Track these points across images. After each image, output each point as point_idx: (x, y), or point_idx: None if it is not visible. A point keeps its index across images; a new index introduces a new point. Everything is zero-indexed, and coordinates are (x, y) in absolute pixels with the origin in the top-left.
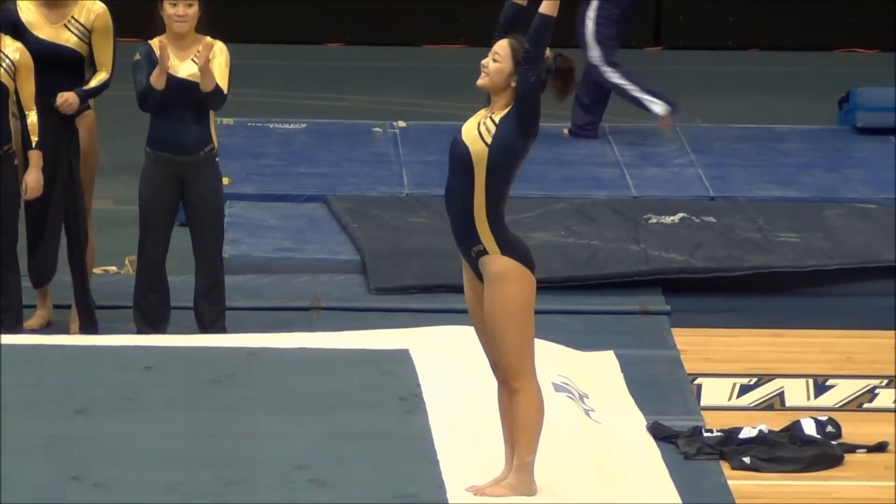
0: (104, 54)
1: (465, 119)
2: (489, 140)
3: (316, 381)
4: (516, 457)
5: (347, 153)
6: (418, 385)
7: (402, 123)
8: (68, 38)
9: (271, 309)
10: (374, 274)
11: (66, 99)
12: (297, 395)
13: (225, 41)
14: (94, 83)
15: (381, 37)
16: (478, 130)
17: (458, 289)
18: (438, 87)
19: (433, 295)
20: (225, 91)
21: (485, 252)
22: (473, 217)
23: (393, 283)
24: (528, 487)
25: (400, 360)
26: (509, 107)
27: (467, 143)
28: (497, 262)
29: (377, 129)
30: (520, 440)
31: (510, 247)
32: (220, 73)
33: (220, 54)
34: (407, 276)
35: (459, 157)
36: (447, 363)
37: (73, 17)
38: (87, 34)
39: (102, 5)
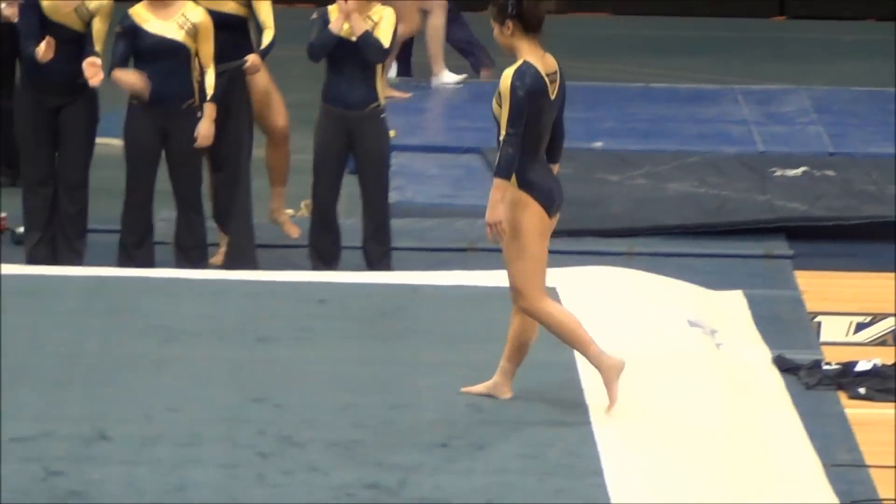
0: (265, 14)
1: (608, 79)
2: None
3: (472, 314)
4: (502, 360)
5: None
6: None
7: None
8: (229, 5)
9: (432, 249)
10: None
11: (253, 62)
12: (456, 327)
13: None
14: (266, 42)
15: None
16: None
17: (604, 233)
18: (584, 51)
19: (579, 238)
20: (385, 46)
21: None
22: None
23: None
24: (503, 389)
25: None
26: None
27: (493, 107)
28: (511, 194)
29: None
30: (508, 348)
31: (527, 183)
32: (383, 32)
33: (385, 18)
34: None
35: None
36: (593, 300)
37: None
38: None
39: None
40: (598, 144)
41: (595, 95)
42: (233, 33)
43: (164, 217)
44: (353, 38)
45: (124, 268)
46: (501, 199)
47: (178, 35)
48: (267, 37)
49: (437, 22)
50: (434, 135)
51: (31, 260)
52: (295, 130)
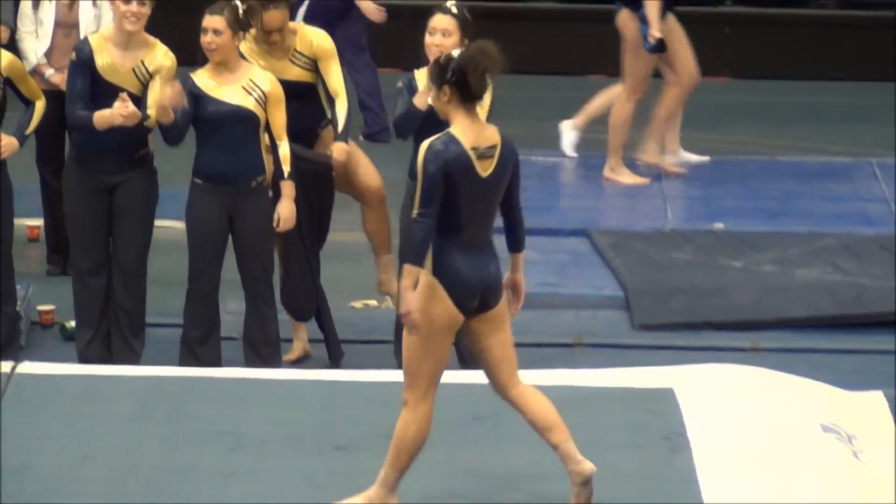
0: (336, 80)
1: (729, 152)
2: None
3: (578, 419)
4: (382, 469)
5: (611, 187)
6: (683, 424)
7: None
8: (294, 72)
9: (533, 345)
10: (638, 310)
11: (338, 155)
12: None
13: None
14: (342, 117)
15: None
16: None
17: (725, 326)
18: (702, 120)
19: (698, 332)
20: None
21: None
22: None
23: (657, 320)
24: (383, 501)
25: (664, 399)
26: None
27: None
28: (423, 279)
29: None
30: (389, 453)
31: (441, 270)
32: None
33: None
34: (671, 313)
35: None
36: (713, 402)
37: (295, 50)
38: (311, 63)
39: (322, 32)
40: (719, 226)
41: (714, 170)
42: (301, 102)
43: (232, 310)
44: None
45: (187, 367)
46: (412, 286)
47: (246, 103)
48: (340, 108)
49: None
50: (535, 215)
51: (84, 359)
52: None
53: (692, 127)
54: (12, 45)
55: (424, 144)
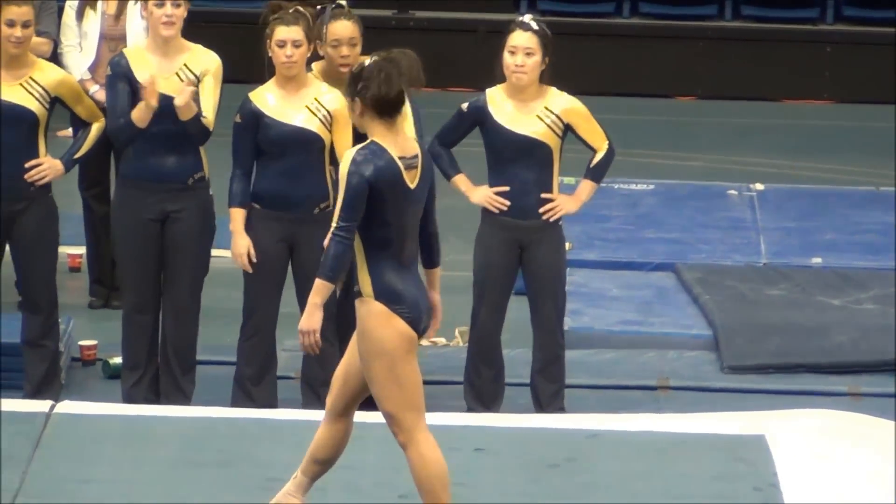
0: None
1: (828, 181)
2: None
3: (663, 467)
4: None
5: (699, 218)
6: (775, 475)
7: (759, 186)
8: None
9: (615, 387)
10: (728, 351)
11: None
12: (642, 483)
13: (571, 93)
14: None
15: (737, 90)
16: None
17: (821, 369)
18: (800, 146)
19: (792, 375)
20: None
21: (359, 294)
22: (355, 254)
23: (748, 362)
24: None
25: (755, 447)
26: None
27: None
28: (365, 307)
29: (732, 191)
30: (423, 498)
31: (386, 294)
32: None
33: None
34: (764, 354)
35: None
36: (808, 451)
37: None
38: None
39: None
40: (817, 261)
41: (812, 201)
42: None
43: (289, 347)
44: (531, 134)
45: (240, 408)
46: (321, 304)
47: (310, 124)
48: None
49: None
50: (617, 248)
51: (130, 400)
52: (445, 242)
53: (788, 154)
54: (55, 59)
55: (349, 153)
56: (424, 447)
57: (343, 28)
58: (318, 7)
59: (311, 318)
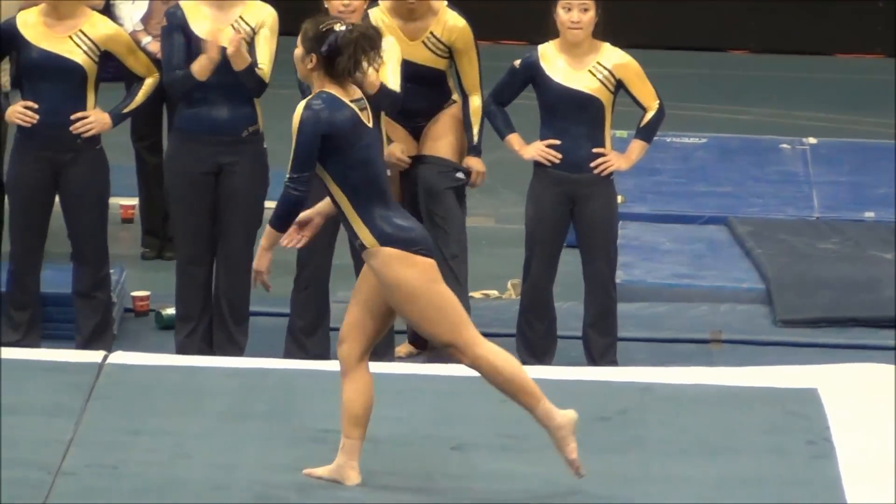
0: (471, 75)
1: (881, 135)
2: None
3: (714, 420)
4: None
5: (752, 171)
6: (828, 428)
7: (812, 140)
8: (425, 56)
9: (667, 341)
10: (780, 304)
11: (477, 176)
12: (693, 436)
13: (623, 47)
14: (475, 125)
15: (790, 44)
16: None
17: (874, 323)
18: (853, 100)
19: (844, 329)
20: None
21: (364, 246)
22: (343, 212)
23: (800, 315)
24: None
25: (807, 400)
26: None
27: None
28: (376, 258)
29: (785, 145)
30: (528, 396)
31: (388, 237)
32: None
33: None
34: (816, 308)
35: None
36: (860, 404)
37: (431, 33)
38: (446, 51)
39: (464, 21)
40: (870, 215)
41: (865, 155)
42: (424, 88)
43: (342, 298)
44: (583, 89)
45: (292, 359)
46: (269, 248)
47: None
48: (476, 113)
49: None
50: (670, 201)
51: (183, 352)
52: (497, 195)
53: (841, 108)
54: (107, 11)
55: (301, 105)
56: (491, 356)
57: None
58: None
59: (259, 261)
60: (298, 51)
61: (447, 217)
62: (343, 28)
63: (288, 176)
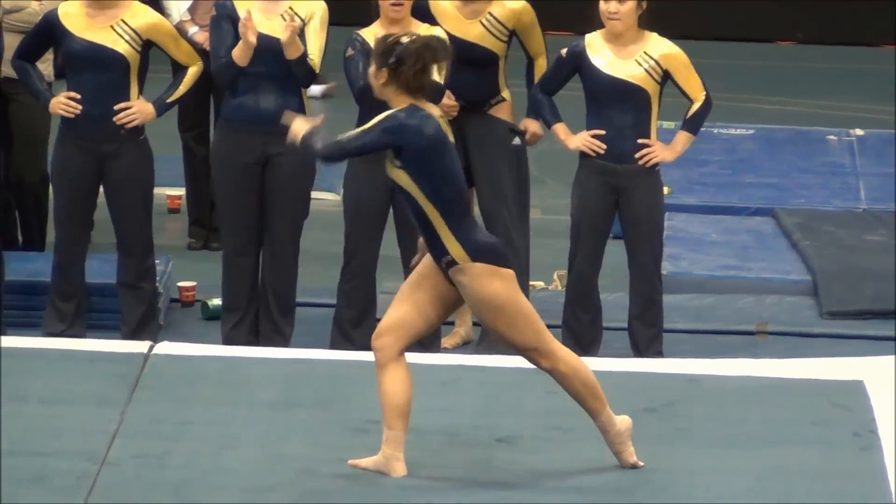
0: (536, 46)
1: None
2: (396, 161)
3: (760, 412)
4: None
5: (799, 163)
6: (874, 420)
7: (859, 131)
8: (479, 34)
9: (713, 332)
10: (827, 296)
11: (534, 133)
12: (740, 428)
13: (671, 38)
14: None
15: (837, 35)
16: (384, 154)
17: None
18: None
19: (890, 321)
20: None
21: (454, 262)
22: (434, 227)
23: (847, 307)
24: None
25: (854, 392)
26: None
27: (388, 171)
28: (466, 274)
29: (832, 136)
30: (597, 401)
31: (477, 251)
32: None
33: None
34: (862, 300)
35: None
36: None
37: (490, 13)
38: (505, 33)
39: (526, 3)
40: None
41: None
42: (476, 71)
43: (388, 289)
44: (629, 79)
45: (339, 350)
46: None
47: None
48: (540, 69)
49: None
50: (716, 193)
51: (229, 343)
52: (543, 186)
53: (888, 100)
54: (154, 2)
55: (390, 112)
56: (570, 359)
57: None
58: None
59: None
60: (372, 68)
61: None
62: (407, 39)
63: (340, 148)
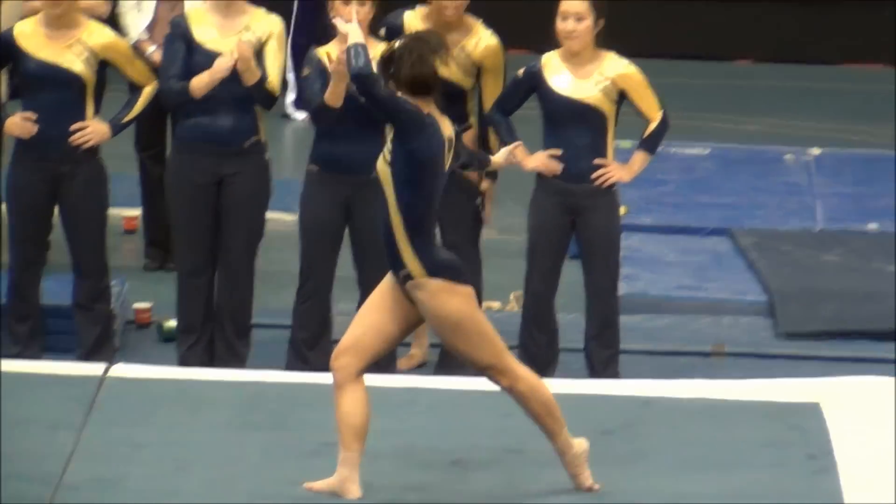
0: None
1: (883, 145)
2: (389, 157)
3: (717, 434)
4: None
5: (755, 182)
6: (829, 442)
7: (816, 150)
8: (449, 70)
9: (669, 353)
10: (783, 317)
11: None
12: (695, 450)
13: (627, 56)
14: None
15: (794, 54)
16: (385, 148)
17: (877, 335)
18: (857, 110)
19: (847, 341)
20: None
21: (410, 276)
22: (395, 239)
23: (803, 328)
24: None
25: (809, 414)
26: None
27: (377, 165)
28: (423, 290)
29: (789, 155)
30: (545, 425)
31: (436, 267)
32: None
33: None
34: (819, 320)
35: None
36: (862, 418)
37: (462, 49)
38: (473, 68)
39: (497, 41)
40: (873, 226)
41: (868, 166)
42: (444, 105)
43: (343, 310)
44: (585, 99)
45: (294, 371)
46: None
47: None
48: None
49: None
50: (673, 212)
51: (185, 364)
52: (500, 206)
53: (847, 118)
54: (113, 20)
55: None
56: (529, 378)
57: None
58: None
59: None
60: (390, 84)
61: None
62: (398, 41)
63: (374, 83)
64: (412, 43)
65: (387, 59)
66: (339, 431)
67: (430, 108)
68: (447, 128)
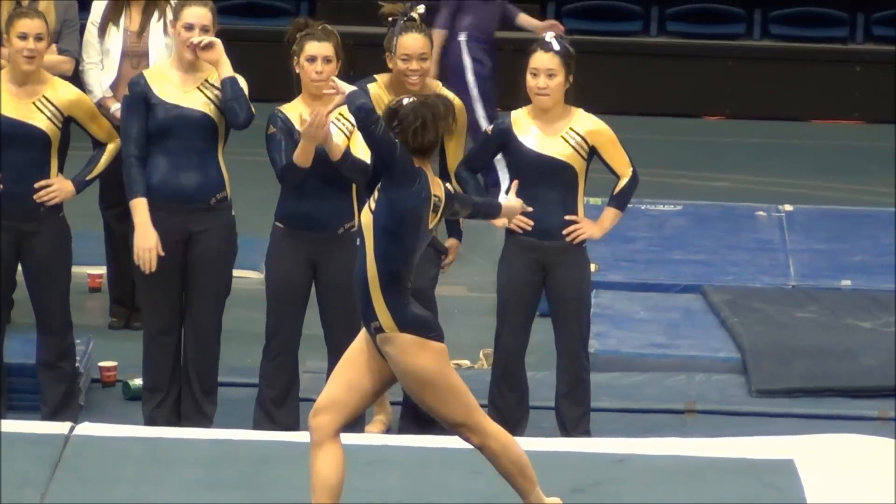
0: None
1: (857, 202)
2: (373, 206)
3: (690, 492)
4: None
5: (727, 239)
6: (804, 500)
7: (788, 207)
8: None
9: (641, 411)
10: (756, 374)
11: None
12: None
13: (597, 113)
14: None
15: (765, 110)
16: (371, 197)
17: (851, 393)
18: (830, 166)
19: (821, 399)
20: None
21: (381, 329)
22: (369, 290)
23: (777, 385)
24: None
25: (784, 472)
26: None
27: (362, 213)
28: (393, 344)
29: (761, 212)
30: (526, 480)
31: (409, 323)
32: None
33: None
34: (793, 378)
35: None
36: (837, 476)
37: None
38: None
39: (459, 101)
40: (846, 283)
41: (841, 223)
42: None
43: (312, 369)
44: (556, 156)
45: (262, 430)
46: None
47: (338, 142)
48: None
49: None
50: (644, 269)
51: (151, 423)
52: (468, 263)
53: (817, 174)
54: (77, 78)
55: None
56: (500, 436)
57: (414, 42)
58: (390, 19)
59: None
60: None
61: None
62: (407, 100)
63: (374, 121)
64: (418, 107)
65: (392, 113)
66: (312, 489)
67: (424, 165)
68: (437, 188)
